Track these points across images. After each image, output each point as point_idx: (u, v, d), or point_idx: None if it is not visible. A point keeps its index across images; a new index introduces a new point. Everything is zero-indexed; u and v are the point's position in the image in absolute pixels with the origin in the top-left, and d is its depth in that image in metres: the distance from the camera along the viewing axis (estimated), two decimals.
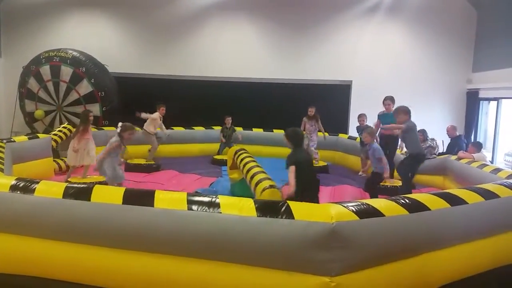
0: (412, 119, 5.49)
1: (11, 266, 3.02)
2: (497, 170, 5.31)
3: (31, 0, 10.92)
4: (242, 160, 5.64)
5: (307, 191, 4.52)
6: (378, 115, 7.34)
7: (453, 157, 6.78)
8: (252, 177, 4.75)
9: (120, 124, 5.26)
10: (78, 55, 9.29)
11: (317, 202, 4.64)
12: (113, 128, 8.71)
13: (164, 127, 8.50)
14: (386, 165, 5.68)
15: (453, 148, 7.69)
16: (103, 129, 8.61)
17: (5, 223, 3.04)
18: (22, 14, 10.98)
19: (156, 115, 8.15)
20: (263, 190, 4.16)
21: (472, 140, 9.21)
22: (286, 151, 4.39)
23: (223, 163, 8.37)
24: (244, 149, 6.29)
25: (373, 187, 5.87)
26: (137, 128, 7.04)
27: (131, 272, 2.77)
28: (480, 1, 9.86)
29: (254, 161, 5.44)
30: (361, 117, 8.14)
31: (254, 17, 10.66)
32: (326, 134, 8.67)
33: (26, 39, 10.95)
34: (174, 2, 10.72)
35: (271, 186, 4.21)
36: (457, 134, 7.99)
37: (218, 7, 10.61)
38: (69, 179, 6.36)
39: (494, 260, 3.23)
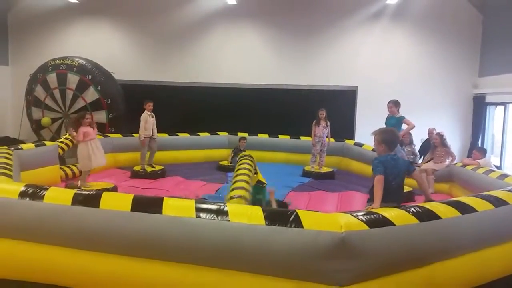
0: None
1: (19, 272, 3.03)
2: (504, 175, 5.25)
3: (38, 9, 11.06)
4: (239, 165, 5.25)
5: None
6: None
7: (458, 164, 6.70)
8: (233, 183, 4.54)
9: None
10: (84, 63, 9.37)
11: None
12: (119, 135, 8.80)
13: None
14: None
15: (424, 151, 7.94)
16: (109, 136, 8.63)
17: (13, 229, 3.05)
18: (29, 23, 11.14)
19: (144, 116, 7.73)
20: (231, 198, 3.94)
21: (479, 145, 9.14)
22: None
23: (229, 169, 8.38)
24: (248, 156, 6.06)
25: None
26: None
27: (139, 279, 2.77)
28: (485, 5, 9.83)
29: (247, 169, 5.01)
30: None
31: (259, 24, 10.69)
32: (332, 140, 8.65)
33: (33, 47, 11.10)
34: (180, 10, 10.78)
35: (239, 197, 3.95)
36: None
37: (223, 14, 10.65)
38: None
39: (504, 269, 3.19)
